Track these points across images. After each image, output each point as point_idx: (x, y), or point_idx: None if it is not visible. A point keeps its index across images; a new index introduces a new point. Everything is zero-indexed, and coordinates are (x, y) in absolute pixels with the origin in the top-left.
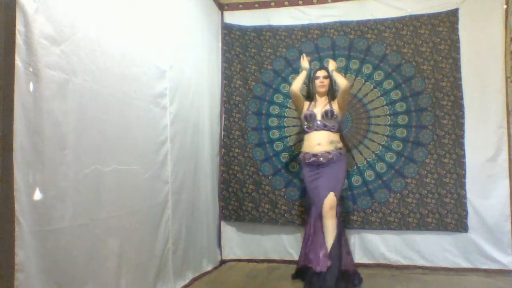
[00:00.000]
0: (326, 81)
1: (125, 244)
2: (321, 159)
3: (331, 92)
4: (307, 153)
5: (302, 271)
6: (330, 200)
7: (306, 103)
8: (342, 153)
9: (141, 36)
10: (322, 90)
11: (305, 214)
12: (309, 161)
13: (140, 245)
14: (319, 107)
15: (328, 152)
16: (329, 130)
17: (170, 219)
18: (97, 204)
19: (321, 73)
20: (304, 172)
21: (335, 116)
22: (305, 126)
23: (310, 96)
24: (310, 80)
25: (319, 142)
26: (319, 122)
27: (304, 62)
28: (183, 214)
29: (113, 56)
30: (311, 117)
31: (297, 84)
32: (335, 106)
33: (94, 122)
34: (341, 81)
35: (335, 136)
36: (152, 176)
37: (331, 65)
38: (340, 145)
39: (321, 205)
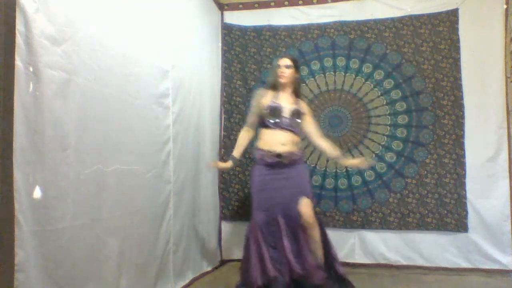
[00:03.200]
0: (288, 72)
1: (126, 244)
2: (285, 160)
3: (296, 87)
4: (268, 151)
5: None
6: (308, 207)
7: (268, 94)
8: (303, 155)
9: (143, 36)
10: (282, 81)
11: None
12: (271, 161)
13: (141, 245)
14: (285, 101)
15: (293, 153)
16: (293, 131)
17: (171, 219)
18: (98, 204)
19: (282, 62)
20: (257, 171)
21: (300, 120)
22: (270, 120)
23: (271, 87)
24: (273, 69)
25: (284, 142)
26: (287, 121)
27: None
28: (184, 214)
29: (115, 56)
30: (276, 111)
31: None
32: (301, 108)
33: (96, 122)
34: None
35: (298, 139)
36: (154, 176)
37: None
38: (300, 147)
39: (296, 212)
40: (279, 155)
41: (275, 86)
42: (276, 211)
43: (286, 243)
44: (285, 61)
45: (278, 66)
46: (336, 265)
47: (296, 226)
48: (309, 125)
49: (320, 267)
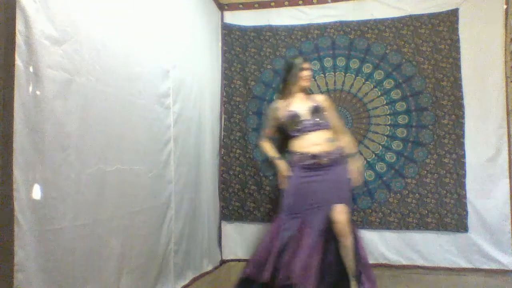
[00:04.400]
0: (311, 74)
1: (128, 244)
2: (324, 159)
3: (309, 88)
4: (303, 153)
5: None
6: (345, 215)
7: (280, 105)
8: (344, 153)
9: (143, 36)
10: (308, 84)
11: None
12: (308, 163)
13: (142, 245)
14: (299, 104)
15: (330, 152)
16: (322, 128)
17: (173, 219)
18: (99, 204)
19: (307, 65)
20: (294, 175)
21: (324, 112)
22: (292, 129)
23: (284, 93)
24: (288, 72)
25: (316, 142)
26: (307, 122)
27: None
28: (185, 214)
29: (116, 56)
30: (295, 119)
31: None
32: (319, 101)
33: (97, 122)
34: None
35: (330, 133)
36: (156, 176)
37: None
38: (338, 143)
39: (324, 219)
40: (314, 156)
41: (289, 90)
42: (304, 218)
43: (299, 251)
44: (309, 64)
45: (302, 68)
46: (362, 276)
47: (318, 233)
48: (329, 120)
49: (308, 280)
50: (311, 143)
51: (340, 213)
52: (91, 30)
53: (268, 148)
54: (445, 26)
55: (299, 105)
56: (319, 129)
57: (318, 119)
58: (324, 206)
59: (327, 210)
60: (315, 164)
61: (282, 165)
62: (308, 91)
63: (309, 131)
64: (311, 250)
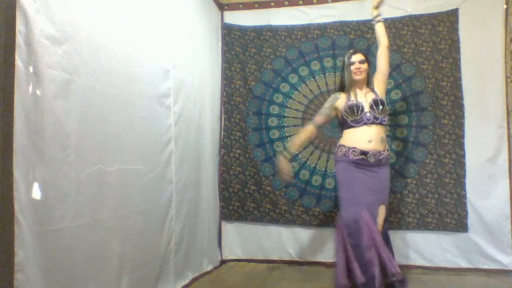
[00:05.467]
0: (364, 66)
1: (128, 244)
2: (372, 159)
3: (368, 79)
4: (353, 148)
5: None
6: (382, 220)
7: (342, 96)
8: (390, 157)
9: (143, 36)
10: (360, 77)
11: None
12: (356, 158)
13: (143, 245)
14: (362, 97)
15: (380, 153)
16: (380, 123)
17: (173, 219)
18: (100, 204)
19: (356, 58)
20: (340, 168)
21: (385, 106)
22: (351, 120)
23: (342, 87)
24: (343, 67)
25: (370, 138)
26: (368, 115)
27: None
28: (186, 214)
29: (116, 56)
30: (355, 109)
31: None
32: (380, 94)
33: (97, 122)
34: (384, 38)
35: (384, 133)
36: (157, 176)
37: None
38: (387, 145)
39: (374, 217)
40: (364, 153)
41: (347, 86)
42: (363, 209)
43: (380, 243)
44: (359, 56)
45: (352, 63)
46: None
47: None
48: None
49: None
50: (365, 138)
51: (381, 215)
52: (91, 30)
53: (300, 135)
54: (445, 26)
55: (362, 97)
56: (376, 124)
57: (377, 113)
58: (373, 206)
59: (375, 211)
60: (362, 161)
61: (282, 161)
62: (368, 84)
63: (367, 124)
64: (384, 247)
